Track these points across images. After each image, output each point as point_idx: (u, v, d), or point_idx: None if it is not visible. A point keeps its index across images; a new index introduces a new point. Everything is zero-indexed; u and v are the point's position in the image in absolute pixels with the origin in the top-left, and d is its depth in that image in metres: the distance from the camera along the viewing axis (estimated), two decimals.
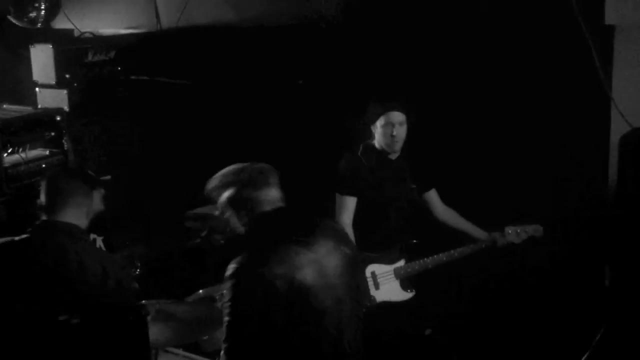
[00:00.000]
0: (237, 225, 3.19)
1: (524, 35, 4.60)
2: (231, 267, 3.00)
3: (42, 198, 3.30)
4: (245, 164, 3.23)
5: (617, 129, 4.18)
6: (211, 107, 5.69)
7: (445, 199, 4.42)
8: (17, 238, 3.25)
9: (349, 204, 4.14)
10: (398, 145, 4.17)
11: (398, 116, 4.14)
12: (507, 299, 4.67)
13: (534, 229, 4.28)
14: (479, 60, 4.70)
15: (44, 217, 3.28)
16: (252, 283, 2.93)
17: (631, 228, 3.85)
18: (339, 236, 3.19)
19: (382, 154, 4.22)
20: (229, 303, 2.96)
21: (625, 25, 4.20)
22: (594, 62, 4.22)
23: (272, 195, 3.14)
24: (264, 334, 2.94)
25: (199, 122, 5.77)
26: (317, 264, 3.01)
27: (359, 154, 4.24)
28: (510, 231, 4.26)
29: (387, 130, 4.13)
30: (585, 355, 3.97)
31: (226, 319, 2.98)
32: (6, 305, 3.13)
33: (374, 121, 4.20)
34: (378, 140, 4.22)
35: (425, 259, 4.21)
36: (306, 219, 3.16)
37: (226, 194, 3.17)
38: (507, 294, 4.68)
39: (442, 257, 4.22)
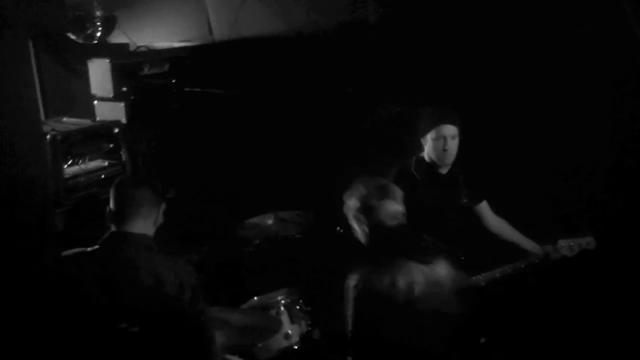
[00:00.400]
0: (359, 235, 3.37)
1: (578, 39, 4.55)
2: (354, 278, 3.24)
3: (111, 206, 3.28)
4: (371, 178, 3.45)
5: None
6: (263, 117, 5.78)
7: (498, 210, 4.37)
8: (89, 249, 3.28)
9: None
10: (450, 159, 4.12)
11: (450, 129, 4.08)
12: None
13: (586, 242, 4.13)
14: (529, 73, 4.67)
15: (113, 228, 3.26)
16: (372, 293, 3.19)
17: None
18: (449, 257, 3.37)
19: (432, 167, 4.18)
20: (351, 312, 3.24)
21: None
22: None
23: (392, 210, 3.28)
24: (381, 340, 3.21)
25: (251, 133, 5.87)
26: (431, 279, 3.23)
27: (412, 168, 4.19)
28: (563, 244, 4.11)
29: (439, 144, 4.09)
30: None
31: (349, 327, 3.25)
32: (80, 319, 3.15)
33: (424, 134, 4.16)
34: (428, 153, 4.17)
35: (479, 276, 4.03)
36: (421, 237, 3.34)
37: (350, 204, 3.36)
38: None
39: (496, 273, 4.06)
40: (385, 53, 5.15)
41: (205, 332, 3.33)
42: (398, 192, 3.37)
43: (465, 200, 4.25)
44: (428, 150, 4.18)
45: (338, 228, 4.47)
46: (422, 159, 4.22)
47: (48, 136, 4.75)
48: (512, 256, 4.16)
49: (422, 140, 4.21)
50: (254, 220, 4.65)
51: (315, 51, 5.43)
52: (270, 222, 4.58)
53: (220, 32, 6.01)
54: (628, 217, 4.50)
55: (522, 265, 4.09)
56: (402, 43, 5.11)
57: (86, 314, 3.15)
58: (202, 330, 3.31)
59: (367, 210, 3.30)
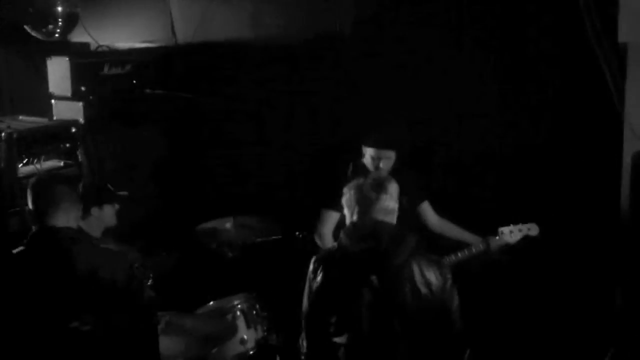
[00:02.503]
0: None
1: (536, 51, 4.63)
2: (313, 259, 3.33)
3: (31, 206, 3.28)
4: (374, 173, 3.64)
5: (630, 147, 4.16)
6: (225, 121, 5.74)
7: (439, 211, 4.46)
8: (15, 251, 3.26)
9: (330, 218, 4.22)
10: (383, 173, 4.16)
11: (386, 153, 4.19)
12: (513, 321, 4.64)
13: (528, 228, 4.21)
14: (488, 69, 4.77)
15: (35, 227, 3.25)
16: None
17: None
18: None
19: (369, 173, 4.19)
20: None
21: (639, 42, 4.20)
22: (606, 80, 4.22)
23: (386, 205, 3.32)
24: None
25: (212, 136, 5.81)
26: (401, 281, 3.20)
27: (348, 173, 4.25)
28: (503, 231, 4.19)
29: (374, 163, 4.20)
30: None
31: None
32: (17, 318, 3.14)
33: (365, 145, 4.26)
34: (366, 162, 4.26)
35: None
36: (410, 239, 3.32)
37: (348, 194, 3.40)
38: (513, 316, 4.65)
39: None
40: (352, 60, 5.16)
41: (151, 336, 3.28)
42: (395, 189, 3.39)
43: (405, 203, 4.24)
44: (366, 160, 4.27)
45: (297, 233, 4.46)
46: (362, 164, 4.28)
47: (3, 134, 4.64)
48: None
49: (362, 147, 4.28)
50: (212, 223, 4.58)
51: (281, 55, 5.41)
52: (228, 225, 4.52)
53: (184, 34, 5.94)
54: (573, 204, 4.55)
55: (463, 256, 4.14)
56: (369, 51, 5.12)
57: (22, 313, 3.14)
58: (148, 333, 3.25)
59: (362, 201, 3.32)
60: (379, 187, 3.34)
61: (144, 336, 3.29)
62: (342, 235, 3.33)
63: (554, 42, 4.61)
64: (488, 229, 4.28)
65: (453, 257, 4.15)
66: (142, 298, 3.28)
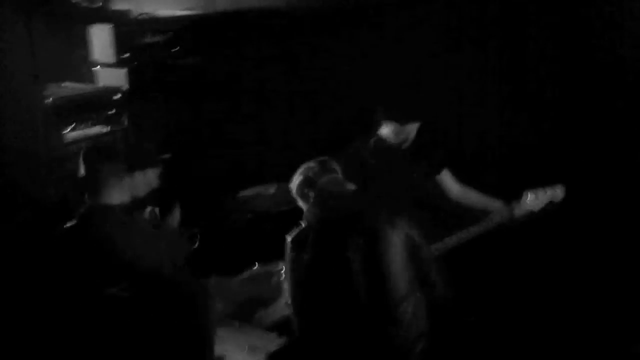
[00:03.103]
0: (306, 214, 3.43)
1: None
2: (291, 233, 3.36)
3: (82, 177, 3.34)
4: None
5: None
6: (264, 90, 5.76)
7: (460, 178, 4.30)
8: (67, 226, 3.31)
9: None
10: (408, 144, 4.05)
11: (414, 128, 4.01)
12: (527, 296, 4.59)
13: (553, 192, 3.93)
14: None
15: (88, 201, 3.31)
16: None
17: None
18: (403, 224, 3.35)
19: (391, 146, 4.07)
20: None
21: None
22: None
23: (334, 178, 3.41)
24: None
25: (251, 104, 5.84)
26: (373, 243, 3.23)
27: (372, 146, 4.11)
28: (527, 198, 3.90)
29: (400, 137, 4.02)
30: None
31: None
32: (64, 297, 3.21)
33: (388, 120, 4.07)
34: (387, 135, 4.08)
35: (439, 242, 3.91)
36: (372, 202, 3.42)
37: (294, 185, 3.48)
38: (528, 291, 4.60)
39: (462, 235, 3.92)
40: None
41: (199, 307, 3.33)
42: (337, 166, 3.47)
43: (426, 172, 4.17)
44: (387, 133, 4.09)
45: None
46: (380, 138, 4.13)
47: (49, 100, 4.70)
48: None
49: (383, 121, 4.10)
50: (256, 190, 4.62)
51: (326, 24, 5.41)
52: (272, 191, 4.56)
53: (225, 2, 5.95)
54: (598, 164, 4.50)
55: (486, 225, 3.94)
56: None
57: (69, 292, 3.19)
58: (194, 304, 3.31)
59: (309, 183, 3.41)
60: (323, 166, 3.44)
61: (193, 300, 3.33)
62: (308, 213, 3.38)
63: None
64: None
65: (479, 226, 3.94)
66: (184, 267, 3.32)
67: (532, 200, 3.91)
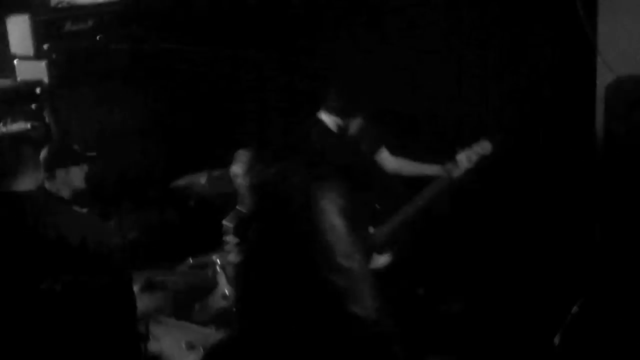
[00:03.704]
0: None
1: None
2: None
3: None
4: None
5: (603, 80, 4.14)
6: (192, 74, 5.63)
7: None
8: None
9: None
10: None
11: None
12: (493, 255, 4.66)
13: (482, 147, 4.15)
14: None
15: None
16: None
17: (620, 180, 3.83)
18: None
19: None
20: None
21: None
22: (577, 11, 4.16)
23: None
24: None
25: (179, 89, 5.71)
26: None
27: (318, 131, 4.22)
28: (460, 157, 4.12)
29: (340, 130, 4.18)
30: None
31: None
32: None
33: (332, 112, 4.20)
34: (331, 126, 4.21)
35: (392, 218, 4.12)
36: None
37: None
38: (493, 250, 4.67)
39: (408, 209, 4.13)
40: None
41: (127, 296, 3.25)
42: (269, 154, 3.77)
43: (367, 150, 4.30)
44: (329, 121, 4.21)
45: None
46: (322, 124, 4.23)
47: None
48: None
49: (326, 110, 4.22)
50: (186, 179, 4.53)
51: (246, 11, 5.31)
52: (203, 181, 4.47)
53: None
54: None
55: (431, 191, 4.13)
56: None
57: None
58: (123, 293, 3.22)
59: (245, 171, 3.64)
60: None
61: (119, 294, 3.25)
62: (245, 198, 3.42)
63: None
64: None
65: (423, 196, 4.12)
66: (114, 259, 3.22)
67: (465, 158, 4.12)
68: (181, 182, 4.55)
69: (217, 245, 4.24)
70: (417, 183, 4.31)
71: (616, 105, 3.95)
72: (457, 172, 4.13)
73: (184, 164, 4.85)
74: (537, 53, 4.59)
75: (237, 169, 3.87)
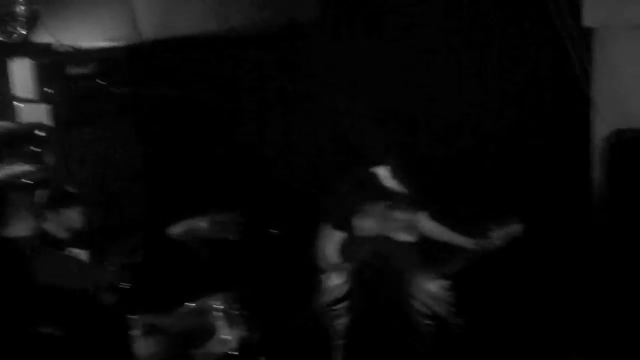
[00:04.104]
0: None
1: (503, 38, 4.64)
2: None
3: None
4: None
5: (599, 131, 4.21)
6: (196, 118, 5.68)
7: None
8: None
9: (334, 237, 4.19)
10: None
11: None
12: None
13: (514, 229, 4.25)
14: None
15: None
16: None
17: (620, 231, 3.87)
18: None
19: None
20: None
21: (604, 26, 4.23)
22: (573, 64, 4.25)
23: None
24: None
25: (183, 133, 5.75)
26: None
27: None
28: (495, 235, 4.24)
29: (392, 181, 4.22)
30: None
31: None
32: None
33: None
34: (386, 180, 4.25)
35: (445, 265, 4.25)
36: None
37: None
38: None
39: (456, 263, 4.27)
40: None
41: (125, 341, 3.24)
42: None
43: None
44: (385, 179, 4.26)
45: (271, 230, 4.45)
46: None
47: None
48: None
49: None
50: (185, 224, 4.52)
51: (252, 48, 5.37)
52: (203, 224, 4.47)
53: (149, 30, 5.85)
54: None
55: (463, 262, 4.24)
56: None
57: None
58: (120, 338, 3.22)
59: None
60: None
61: (115, 339, 3.24)
62: None
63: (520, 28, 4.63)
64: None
65: (449, 265, 4.25)
66: (108, 304, 3.22)
67: (497, 237, 4.23)
68: (179, 227, 4.53)
69: (216, 289, 4.25)
70: None
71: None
72: (487, 248, 4.25)
73: (182, 208, 4.85)
74: (530, 107, 4.66)
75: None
